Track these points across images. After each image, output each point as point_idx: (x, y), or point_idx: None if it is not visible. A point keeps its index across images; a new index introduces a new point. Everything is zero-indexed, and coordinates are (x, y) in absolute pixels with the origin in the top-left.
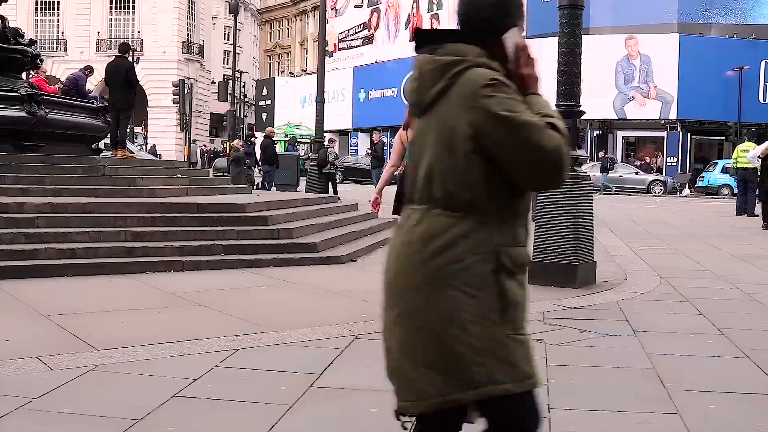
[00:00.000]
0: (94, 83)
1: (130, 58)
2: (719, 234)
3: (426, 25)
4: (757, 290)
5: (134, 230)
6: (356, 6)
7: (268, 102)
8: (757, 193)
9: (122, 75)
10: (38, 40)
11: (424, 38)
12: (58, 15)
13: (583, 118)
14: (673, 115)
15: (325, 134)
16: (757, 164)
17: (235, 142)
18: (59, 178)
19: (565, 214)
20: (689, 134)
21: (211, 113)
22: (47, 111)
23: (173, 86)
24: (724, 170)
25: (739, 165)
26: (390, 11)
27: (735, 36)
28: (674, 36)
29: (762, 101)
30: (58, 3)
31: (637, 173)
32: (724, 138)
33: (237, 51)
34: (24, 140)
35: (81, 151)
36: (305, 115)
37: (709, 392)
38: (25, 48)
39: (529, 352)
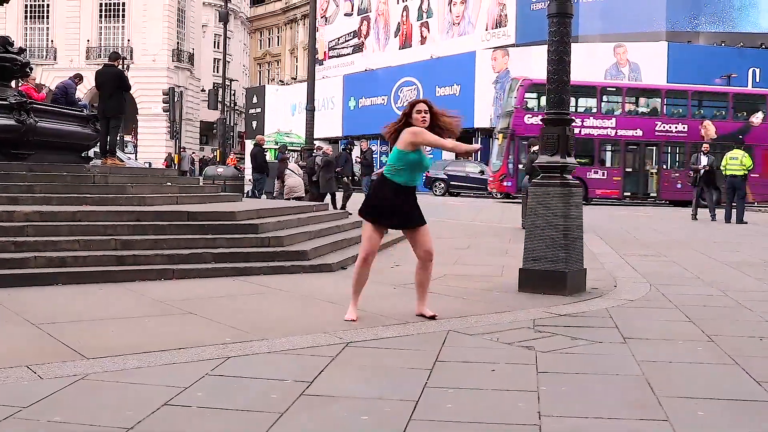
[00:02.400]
0: (83, 91)
1: (120, 67)
2: (708, 241)
3: (416, 34)
4: (747, 297)
5: (124, 238)
6: (346, 14)
7: (258, 110)
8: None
9: (111, 83)
10: (28, 48)
11: None
12: (48, 23)
13: (572, 125)
14: None
15: (315, 142)
16: None
17: (326, 147)
18: (49, 187)
19: (554, 222)
20: None
21: (201, 121)
22: (37, 119)
23: (163, 94)
24: None
25: (728, 172)
26: (380, 19)
27: (723, 44)
28: (663, 44)
29: None
30: (48, 11)
31: None
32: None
33: (227, 59)
34: (13, 148)
35: (71, 160)
36: (295, 123)
37: (699, 399)
38: (15, 56)
39: None
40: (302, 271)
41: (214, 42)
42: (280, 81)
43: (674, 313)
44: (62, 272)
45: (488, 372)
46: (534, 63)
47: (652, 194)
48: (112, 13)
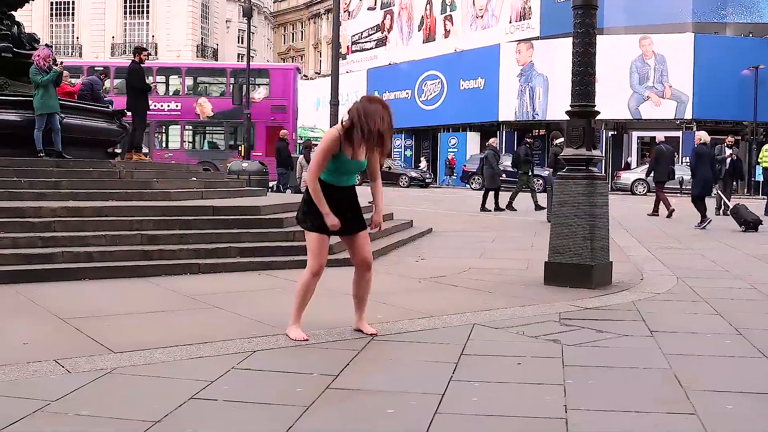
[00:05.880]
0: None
1: (138, 61)
2: (736, 234)
3: (439, 27)
4: None
5: (150, 233)
6: (369, 8)
7: None
8: None
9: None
10: (53, 45)
11: None
12: (73, 20)
13: (598, 118)
14: (688, 115)
15: None
16: None
17: (491, 141)
18: (75, 182)
19: (580, 215)
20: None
21: None
22: (63, 115)
23: None
24: None
25: (764, 164)
26: (403, 13)
27: (750, 35)
28: (689, 35)
29: None
30: (73, 8)
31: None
32: (740, 137)
33: (251, 54)
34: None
35: (97, 155)
36: (319, 117)
37: (727, 393)
38: None
39: None
40: (327, 265)
41: (238, 37)
42: (303, 75)
43: (702, 306)
44: (89, 267)
45: (514, 365)
46: (558, 55)
47: None
48: (136, 9)
